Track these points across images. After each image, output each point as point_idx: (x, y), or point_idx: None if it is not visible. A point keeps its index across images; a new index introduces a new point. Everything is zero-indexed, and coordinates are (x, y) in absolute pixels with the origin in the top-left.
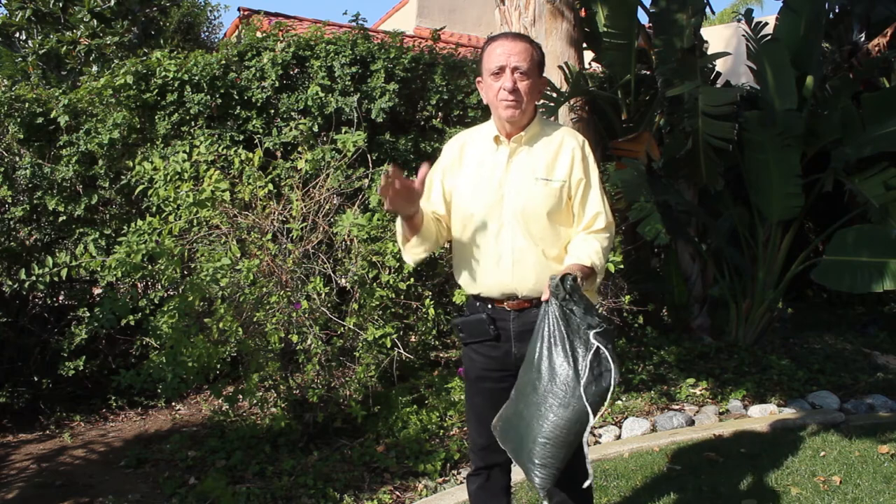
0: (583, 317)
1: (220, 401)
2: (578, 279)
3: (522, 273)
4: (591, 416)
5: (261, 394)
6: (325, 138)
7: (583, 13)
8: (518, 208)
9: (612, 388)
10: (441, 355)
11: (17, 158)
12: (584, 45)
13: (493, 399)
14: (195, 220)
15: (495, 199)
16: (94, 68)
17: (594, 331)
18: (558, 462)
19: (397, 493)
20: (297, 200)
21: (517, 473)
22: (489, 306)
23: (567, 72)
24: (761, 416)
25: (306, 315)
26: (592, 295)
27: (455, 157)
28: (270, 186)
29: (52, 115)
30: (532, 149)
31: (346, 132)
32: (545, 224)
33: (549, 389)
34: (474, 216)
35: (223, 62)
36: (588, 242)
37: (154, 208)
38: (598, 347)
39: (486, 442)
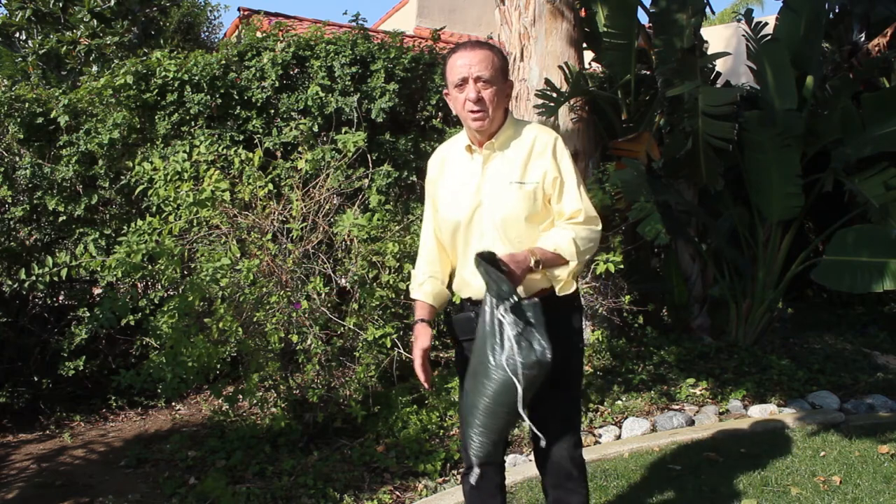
0: (496, 292)
1: (220, 401)
2: (504, 259)
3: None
4: (518, 385)
5: (261, 394)
6: (325, 138)
7: (583, 13)
8: (496, 214)
9: (542, 361)
10: (441, 355)
11: (17, 158)
12: (584, 45)
13: None
14: (195, 220)
15: (473, 206)
16: (94, 68)
17: (503, 305)
18: (490, 433)
19: (397, 493)
20: (297, 200)
21: (517, 473)
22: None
23: (567, 72)
24: (761, 416)
25: (306, 315)
26: (568, 283)
27: (437, 171)
28: (270, 186)
29: (52, 115)
30: (505, 153)
31: (346, 132)
32: (523, 227)
33: (482, 362)
34: (457, 225)
35: (223, 62)
36: (560, 230)
37: (154, 208)
38: (502, 321)
39: None
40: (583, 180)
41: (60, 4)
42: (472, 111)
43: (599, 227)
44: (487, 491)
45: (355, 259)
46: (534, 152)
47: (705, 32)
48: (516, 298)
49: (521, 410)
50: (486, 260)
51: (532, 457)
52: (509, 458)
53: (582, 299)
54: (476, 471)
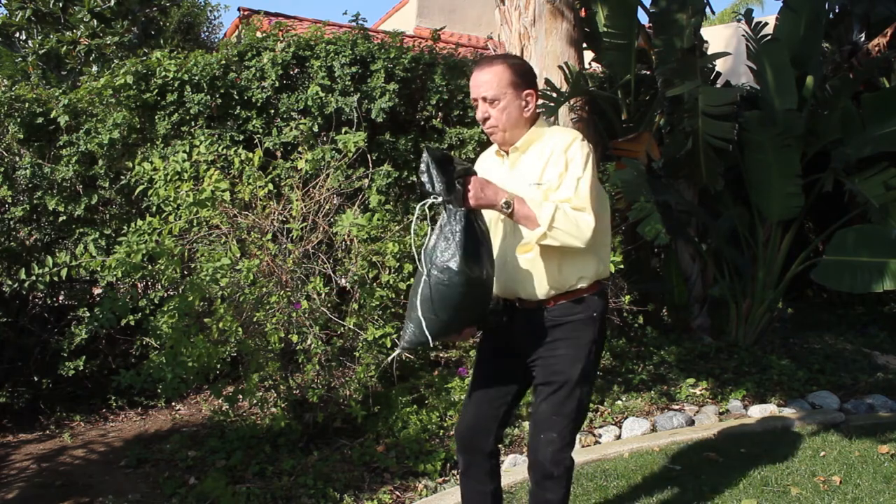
0: (427, 186)
1: (220, 401)
2: (444, 157)
3: (522, 277)
4: (424, 273)
5: (261, 394)
6: (325, 138)
7: (583, 13)
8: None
9: (449, 268)
10: (441, 355)
11: (17, 158)
12: (584, 45)
13: (485, 378)
14: (195, 220)
15: None
16: (94, 68)
17: (427, 200)
18: (411, 320)
19: (397, 493)
20: (297, 200)
21: (517, 473)
22: (503, 301)
23: (567, 72)
24: (761, 416)
25: (306, 315)
26: (527, 247)
27: (482, 172)
28: (270, 186)
29: (52, 115)
30: (529, 156)
31: (346, 132)
32: None
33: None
34: (490, 224)
35: (223, 62)
36: (549, 201)
37: (154, 208)
38: (419, 215)
39: (467, 424)
40: (595, 183)
41: (60, 4)
42: (486, 129)
43: (588, 221)
44: (476, 477)
45: (355, 259)
46: (552, 155)
47: (705, 32)
48: (440, 200)
49: (417, 303)
50: (436, 158)
51: None
52: (509, 458)
53: (605, 313)
54: (400, 346)
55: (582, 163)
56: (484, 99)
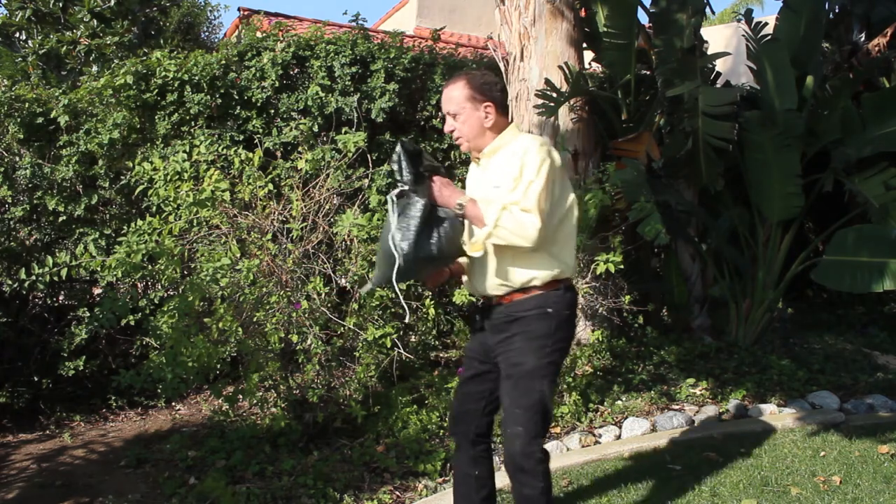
0: (397, 174)
1: (220, 401)
2: (415, 150)
3: (483, 276)
4: (396, 255)
5: (261, 394)
6: (325, 138)
7: (583, 13)
8: None
9: (400, 250)
10: (441, 355)
11: (17, 158)
12: (584, 45)
13: (467, 373)
14: (195, 220)
15: None
16: (94, 68)
17: (394, 191)
18: (380, 271)
19: (397, 493)
20: (297, 200)
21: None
22: (479, 302)
23: (567, 72)
24: (761, 416)
25: (306, 315)
26: (476, 246)
27: (469, 175)
28: (270, 186)
29: (52, 115)
30: (496, 161)
31: (346, 132)
32: None
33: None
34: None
35: (223, 62)
36: (499, 202)
37: (154, 208)
38: (389, 199)
39: (452, 414)
40: (547, 187)
41: (60, 4)
42: (454, 139)
43: (534, 222)
44: (461, 460)
45: (355, 259)
46: (513, 158)
47: (705, 32)
48: (406, 188)
49: (394, 282)
50: (408, 150)
51: None
52: None
53: (565, 310)
54: (368, 286)
55: (535, 167)
56: (449, 113)
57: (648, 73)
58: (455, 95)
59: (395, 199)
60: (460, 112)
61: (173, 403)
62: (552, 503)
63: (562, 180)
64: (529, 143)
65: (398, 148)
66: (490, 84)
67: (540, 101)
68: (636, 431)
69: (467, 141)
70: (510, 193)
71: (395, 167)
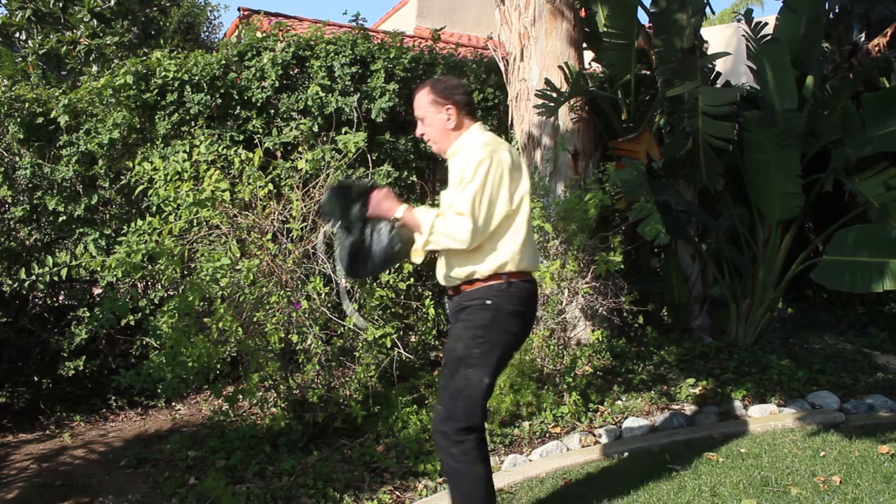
0: (331, 214)
1: (220, 401)
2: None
3: (440, 270)
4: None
5: (261, 394)
6: (325, 138)
7: (583, 13)
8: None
9: (341, 265)
10: (441, 356)
11: (17, 158)
12: (584, 45)
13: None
14: (195, 220)
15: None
16: (94, 68)
17: (331, 228)
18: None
19: (397, 493)
20: (297, 200)
21: (517, 473)
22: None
23: (567, 72)
24: (761, 416)
25: (306, 315)
26: (417, 253)
27: None
28: (270, 186)
29: (52, 115)
30: (455, 162)
31: (346, 132)
32: None
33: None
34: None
35: (223, 62)
36: (435, 210)
37: (154, 208)
38: (334, 233)
39: None
40: (482, 189)
41: (60, 4)
42: (426, 142)
43: (465, 225)
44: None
45: None
46: (461, 161)
47: (705, 32)
48: (336, 227)
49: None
50: (337, 188)
51: (531, 457)
52: (509, 459)
53: (507, 304)
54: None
55: (473, 170)
56: (418, 118)
57: (648, 73)
58: (421, 101)
59: (333, 232)
60: (426, 116)
61: (173, 403)
62: (478, 489)
63: (510, 176)
64: (473, 145)
65: (326, 193)
66: (452, 88)
67: (540, 101)
68: (636, 431)
69: (434, 143)
70: (450, 196)
71: (327, 208)
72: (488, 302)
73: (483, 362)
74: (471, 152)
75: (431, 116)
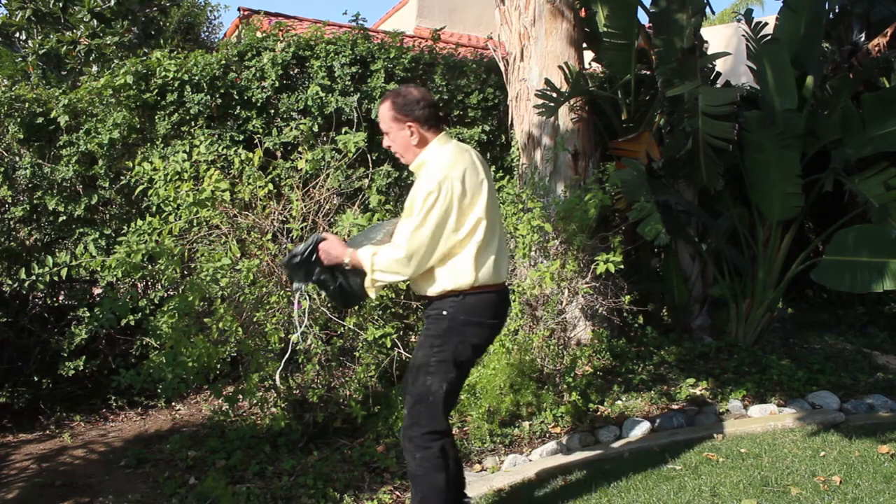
0: (293, 277)
1: (220, 401)
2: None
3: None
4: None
5: (261, 394)
6: (325, 138)
7: (583, 13)
8: None
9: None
10: None
11: (17, 158)
12: (584, 45)
13: None
14: (195, 220)
15: None
16: (94, 68)
17: (297, 288)
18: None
19: (397, 493)
20: (297, 200)
21: (517, 473)
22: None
23: (567, 72)
24: (761, 416)
25: (306, 315)
26: (369, 288)
27: None
28: (270, 186)
29: (52, 115)
30: (417, 180)
31: (346, 132)
32: None
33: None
34: None
35: (223, 62)
36: (375, 247)
37: (154, 208)
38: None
39: None
40: (424, 223)
41: (60, 4)
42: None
43: (400, 261)
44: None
45: None
46: (416, 186)
47: (705, 32)
48: (295, 288)
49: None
50: (285, 265)
51: (531, 457)
52: (509, 458)
53: (461, 315)
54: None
55: (419, 206)
56: (382, 130)
57: (648, 73)
58: (383, 115)
59: (296, 293)
60: (389, 130)
61: (173, 403)
62: (436, 495)
63: (459, 204)
64: (431, 165)
65: (285, 272)
66: (412, 103)
67: (540, 101)
68: (636, 431)
69: (400, 156)
70: (399, 224)
71: (294, 280)
72: (444, 312)
73: (441, 370)
74: (427, 177)
75: (394, 132)
